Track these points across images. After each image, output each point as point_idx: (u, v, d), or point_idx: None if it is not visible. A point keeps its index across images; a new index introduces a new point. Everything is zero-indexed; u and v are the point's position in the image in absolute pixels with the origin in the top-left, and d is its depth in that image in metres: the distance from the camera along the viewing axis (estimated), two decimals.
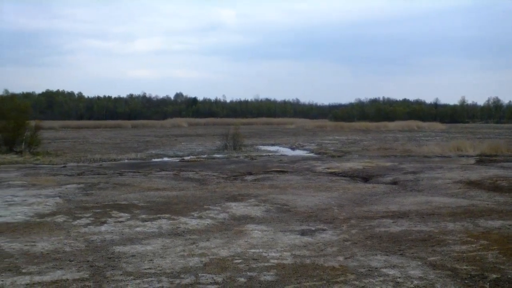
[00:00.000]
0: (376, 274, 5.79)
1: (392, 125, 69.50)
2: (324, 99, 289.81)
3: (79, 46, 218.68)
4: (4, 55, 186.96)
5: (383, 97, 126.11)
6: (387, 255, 6.70)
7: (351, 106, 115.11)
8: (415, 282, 5.50)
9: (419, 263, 6.29)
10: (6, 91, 31.65)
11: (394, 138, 44.06)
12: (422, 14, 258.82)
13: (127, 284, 5.51)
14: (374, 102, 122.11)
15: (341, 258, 6.52)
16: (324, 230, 8.45)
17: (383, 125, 69.22)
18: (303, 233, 8.20)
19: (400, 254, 6.72)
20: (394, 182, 15.54)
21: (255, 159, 25.35)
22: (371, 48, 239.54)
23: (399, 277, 5.65)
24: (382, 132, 57.68)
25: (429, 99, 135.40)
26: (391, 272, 5.87)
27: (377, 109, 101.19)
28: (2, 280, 5.68)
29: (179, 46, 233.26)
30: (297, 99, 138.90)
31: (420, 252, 6.85)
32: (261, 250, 7.01)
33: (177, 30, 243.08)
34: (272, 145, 38.13)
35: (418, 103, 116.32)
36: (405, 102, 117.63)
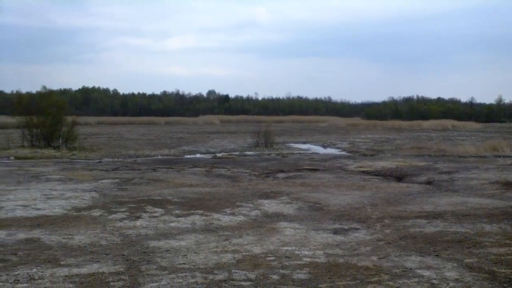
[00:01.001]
0: (410, 275, 5.72)
1: (426, 124, 68.27)
2: (356, 97, 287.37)
3: (115, 43, 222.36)
4: (43, 52, 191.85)
5: (417, 96, 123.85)
6: (422, 256, 6.61)
7: (384, 104, 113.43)
8: (451, 284, 5.41)
9: (455, 264, 6.18)
10: (44, 87, 32.55)
11: (428, 137, 43.29)
12: (458, 11, 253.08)
13: (162, 279, 5.59)
14: (407, 100, 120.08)
15: (374, 258, 6.47)
16: (357, 229, 8.40)
17: (416, 124, 68.06)
18: (335, 232, 8.17)
19: (436, 255, 6.62)
20: (429, 182, 15.29)
21: (287, 156, 25.33)
22: (406, 45, 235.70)
23: (435, 279, 5.57)
24: (416, 131, 56.74)
25: (464, 97, 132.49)
26: (426, 273, 5.78)
27: (410, 108, 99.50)
28: (42, 272, 5.85)
29: (212, 43, 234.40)
30: (329, 97, 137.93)
31: (456, 253, 6.73)
32: (293, 248, 7.01)
33: (210, 28, 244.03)
34: (304, 143, 38.00)
35: (453, 102, 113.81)
36: (440, 100, 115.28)
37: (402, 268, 6.00)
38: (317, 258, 6.45)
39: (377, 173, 18.16)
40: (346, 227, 8.52)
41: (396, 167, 19.53)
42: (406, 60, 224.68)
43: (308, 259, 6.40)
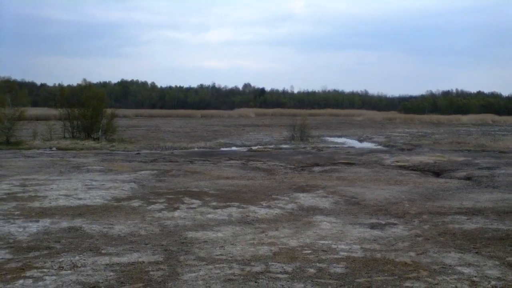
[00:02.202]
0: (450, 271, 5.64)
1: (465, 118, 66.71)
2: (393, 90, 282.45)
3: (153, 37, 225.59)
4: (83, 46, 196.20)
5: (456, 89, 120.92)
6: (461, 252, 6.49)
7: (422, 98, 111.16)
8: (493, 282, 5.30)
9: (496, 262, 6.04)
10: (85, 80, 33.26)
11: (467, 132, 42.31)
12: (498, 2, 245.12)
13: (200, 269, 5.68)
14: (446, 94, 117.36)
15: (413, 254, 6.39)
16: (394, 224, 8.31)
17: (455, 118, 66.59)
18: (372, 226, 8.10)
19: (476, 253, 6.49)
20: (468, 178, 14.95)
21: (322, 150, 25.22)
22: (445, 38, 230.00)
23: (475, 276, 5.47)
24: (455, 126, 55.53)
25: (505, 91, 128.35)
26: (466, 270, 5.68)
27: (449, 102, 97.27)
28: (84, 259, 6.03)
29: (249, 36, 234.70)
30: (365, 90, 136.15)
31: (497, 251, 6.58)
32: (330, 242, 7.00)
33: (248, 21, 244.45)
34: (339, 136, 37.74)
35: (494, 95, 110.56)
36: (480, 94, 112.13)
37: (441, 264, 5.91)
38: (354, 253, 6.42)
39: (414, 168, 17.88)
40: (383, 222, 8.45)
41: (434, 162, 19.18)
42: (445, 53, 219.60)
43: (345, 253, 6.38)
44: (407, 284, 5.19)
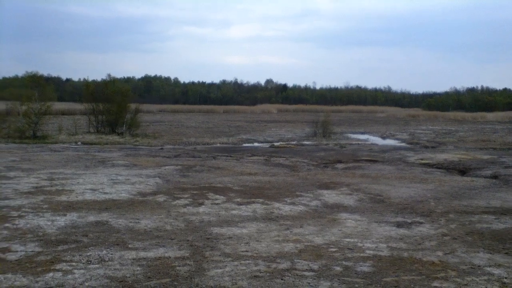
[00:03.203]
0: (479, 272, 5.55)
1: (490, 115, 65.58)
2: (417, 87, 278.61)
3: (177, 32, 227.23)
4: (109, 42, 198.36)
5: (482, 86, 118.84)
6: (490, 253, 6.38)
7: (446, 95, 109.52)
8: None
9: None
10: (109, 75, 33.67)
11: (493, 130, 41.57)
12: None
13: (226, 265, 5.70)
14: (471, 91, 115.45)
15: (440, 253, 6.31)
16: (420, 223, 8.21)
17: (480, 115, 65.48)
18: (398, 225, 8.02)
19: (505, 253, 6.37)
20: (495, 176, 14.69)
21: (345, 147, 25.07)
22: (470, 34, 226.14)
23: (506, 278, 5.37)
24: (480, 123, 54.60)
25: None
26: (496, 271, 5.58)
27: (474, 99, 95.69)
28: (112, 254, 6.10)
29: (273, 32, 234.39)
30: (388, 86, 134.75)
31: None
32: (356, 240, 6.96)
33: (271, 17, 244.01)
34: (362, 133, 37.48)
35: None
36: (506, 91, 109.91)
37: (469, 264, 5.83)
38: (380, 251, 6.37)
39: (439, 166, 17.66)
40: (409, 221, 8.35)
41: (459, 160, 18.91)
42: (470, 48, 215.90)
43: (371, 252, 6.33)
44: (436, 284, 5.12)
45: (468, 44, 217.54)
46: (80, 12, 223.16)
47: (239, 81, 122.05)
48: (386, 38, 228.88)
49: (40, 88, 28.26)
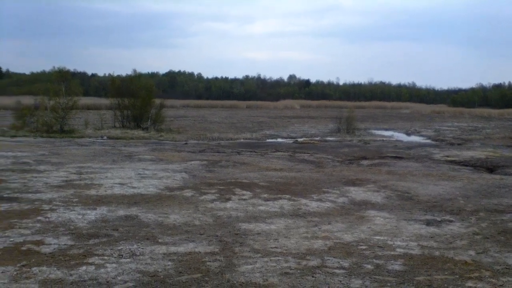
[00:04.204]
0: None
1: None
2: (442, 83, 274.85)
3: (201, 28, 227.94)
4: (133, 37, 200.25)
5: (509, 82, 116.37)
6: None
7: (472, 91, 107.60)
8: None
9: None
10: (135, 71, 34.00)
11: None
12: None
13: (256, 261, 5.70)
14: (498, 87, 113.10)
15: (472, 253, 6.21)
16: (450, 221, 8.10)
17: (507, 112, 64.16)
18: (428, 223, 7.92)
19: None
20: None
21: (369, 143, 24.90)
22: (497, 28, 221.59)
23: None
24: (507, 120, 53.57)
25: None
26: None
27: (501, 95, 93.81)
28: (142, 248, 6.16)
29: (295, 28, 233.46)
30: (413, 82, 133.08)
31: None
32: (385, 238, 6.90)
33: (294, 12, 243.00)
34: (386, 129, 37.14)
35: None
36: None
37: (504, 265, 5.72)
38: (411, 250, 6.30)
39: (466, 163, 17.39)
40: (438, 219, 8.24)
41: (486, 158, 18.61)
42: (497, 44, 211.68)
43: (402, 250, 6.27)
44: (470, 284, 5.05)
45: (494, 39, 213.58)
46: (106, 8, 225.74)
47: (262, 76, 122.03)
48: (410, 33, 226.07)
49: (67, 83, 28.68)
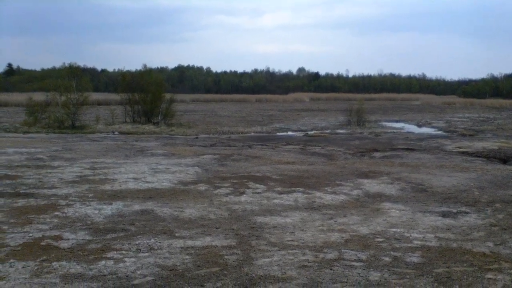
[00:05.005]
0: None
1: None
2: (452, 74, 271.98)
3: (209, 22, 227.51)
4: (141, 32, 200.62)
5: None
6: None
7: (483, 81, 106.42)
8: None
9: None
10: (145, 66, 34.07)
11: None
12: None
13: (273, 254, 5.72)
14: (509, 77, 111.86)
15: (490, 244, 6.18)
16: (466, 213, 8.06)
17: None
18: (444, 215, 7.89)
19: None
20: None
21: (380, 135, 24.80)
22: (507, 19, 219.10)
23: None
24: None
25: None
26: None
27: None
28: (160, 242, 6.20)
29: (305, 20, 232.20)
30: (423, 74, 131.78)
31: None
32: (402, 230, 6.88)
33: (303, 4, 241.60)
34: (397, 121, 36.95)
35: None
36: None
37: None
38: (428, 242, 6.28)
39: (478, 154, 17.28)
40: (454, 211, 8.21)
41: (499, 148, 18.48)
42: (508, 34, 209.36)
43: (419, 242, 6.25)
44: (489, 276, 5.03)
45: (505, 29, 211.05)
46: (115, 4, 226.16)
47: (271, 69, 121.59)
48: (420, 23, 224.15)
49: (78, 79, 28.81)
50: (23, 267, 5.22)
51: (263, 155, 15.65)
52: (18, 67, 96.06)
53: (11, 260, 5.42)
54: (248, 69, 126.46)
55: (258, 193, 9.47)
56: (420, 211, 8.17)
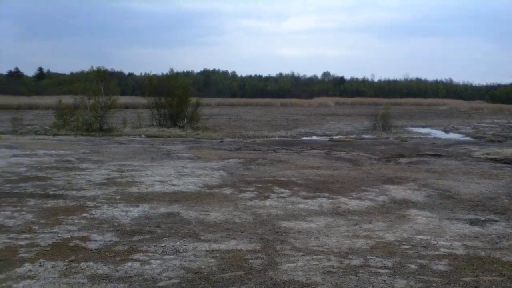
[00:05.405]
0: None
1: None
2: (480, 79, 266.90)
3: (235, 26, 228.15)
4: (168, 36, 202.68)
5: None
6: None
7: (511, 86, 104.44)
8: None
9: None
10: (171, 70, 34.40)
11: None
12: None
13: (298, 260, 5.72)
14: None
15: None
16: (495, 221, 7.92)
17: None
18: (471, 222, 7.77)
19: None
20: None
21: (406, 141, 24.50)
22: None
23: None
24: None
25: None
26: None
27: None
28: (185, 245, 6.26)
29: (331, 24, 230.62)
30: (450, 78, 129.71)
31: None
32: (428, 237, 6.80)
33: (328, 8, 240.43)
34: (423, 127, 36.45)
35: None
36: None
37: None
38: (455, 250, 6.20)
39: (507, 161, 16.91)
40: (482, 218, 8.07)
41: None
42: None
43: (446, 250, 6.17)
44: None
45: None
46: (141, 8, 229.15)
47: (295, 74, 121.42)
48: (448, 28, 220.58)
49: (105, 83, 29.26)
50: (52, 267, 5.34)
51: (288, 159, 15.65)
52: (48, 71, 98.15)
53: (41, 260, 5.56)
54: (273, 73, 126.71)
55: (283, 197, 9.49)
56: (447, 218, 8.07)
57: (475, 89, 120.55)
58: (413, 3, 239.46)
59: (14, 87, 69.97)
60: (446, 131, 32.95)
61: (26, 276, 5.09)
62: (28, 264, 5.43)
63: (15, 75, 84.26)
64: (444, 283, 4.99)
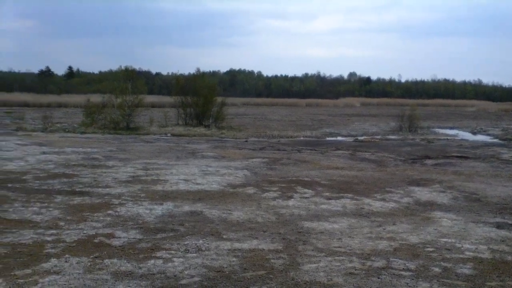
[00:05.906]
0: None
1: None
2: (510, 80, 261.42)
3: (261, 26, 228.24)
4: (195, 36, 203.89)
5: None
6: None
7: None
8: None
9: None
10: (198, 70, 34.65)
11: None
12: None
13: (320, 260, 5.70)
14: None
15: None
16: None
17: None
18: (498, 226, 7.62)
19: None
20: None
21: (433, 142, 24.15)
22: None
23: None
24: None
25: None
26: None
27: None
28: (208, 244, 6.31)
29: (357, 24, 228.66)
30: (479, 79, 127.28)
31: None
32: (453, 240, 6.70)
33: (355, 8, 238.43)
34: (450, 128, 35.88)
35: None
36: None
37: None
38: (481, 253, 6.09)
39: None
40: (510, 222, 7.91)
41: None
42: None
43: (471, 253, 6.07)
44: None
45: None
46: (168, 7, 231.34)
47: (321, 74, 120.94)
48: (476, 27, 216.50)
49: (133, 82, 29.63)
50: (77, 263, 5.44)
51: (312, 159, 15.60)
52: (78, 69, 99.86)
53: (66, 256, 5.67)
54: (299, 73, 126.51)
55: (306, 197, 9.47)
56: (473, 221, 7.93)
57: (505, 90, 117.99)
58: (440, 3, 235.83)
59: (45, 86, 71.51)
60: (474, 133, 32.38)
61: (51, 271, 5.20)
62: (54, 259, 5.55)
63: (46, 74, 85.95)
64: (468, 287, 4.92)
